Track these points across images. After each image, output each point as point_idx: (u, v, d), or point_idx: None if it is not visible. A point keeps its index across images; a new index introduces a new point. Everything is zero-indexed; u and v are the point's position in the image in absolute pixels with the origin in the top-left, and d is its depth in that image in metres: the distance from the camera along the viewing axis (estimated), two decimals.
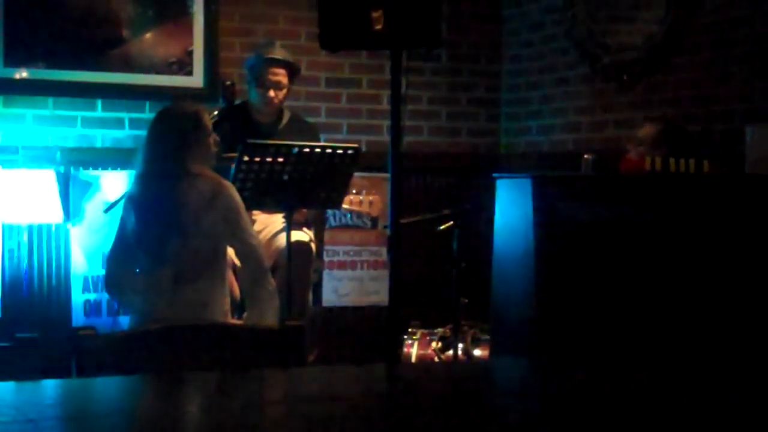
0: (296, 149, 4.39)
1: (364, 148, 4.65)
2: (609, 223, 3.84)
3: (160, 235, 3.99)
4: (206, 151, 4.08)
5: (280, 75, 5.07)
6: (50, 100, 5.52)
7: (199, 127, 4.05)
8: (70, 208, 5.40)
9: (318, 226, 5.30)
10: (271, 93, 5.05)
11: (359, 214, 5.70)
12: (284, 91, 5.09)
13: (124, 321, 4.57)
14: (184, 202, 3.97)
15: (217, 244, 4.03)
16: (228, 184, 4.08)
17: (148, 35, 5.67)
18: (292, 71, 5.13)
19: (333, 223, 5.98)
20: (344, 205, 4.77)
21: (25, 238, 5.41)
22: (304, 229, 4.95)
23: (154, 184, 4.01)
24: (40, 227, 5.45)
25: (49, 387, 2.36)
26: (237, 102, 5.03)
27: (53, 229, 5.47)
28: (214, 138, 4.15)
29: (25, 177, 5.23)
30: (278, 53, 5.10)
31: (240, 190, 4.27)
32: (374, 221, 5.98)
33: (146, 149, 4.05)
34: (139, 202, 4.03)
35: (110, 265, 4.15)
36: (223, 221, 3.99)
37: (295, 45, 5.63)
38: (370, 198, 4.91)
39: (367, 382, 2.41)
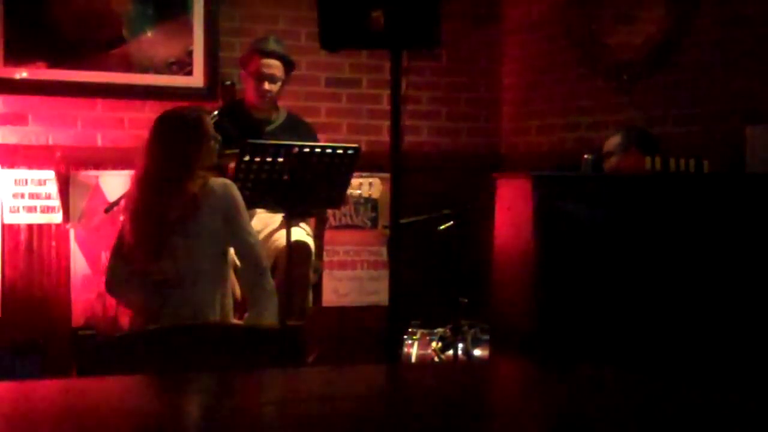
0: (296, 149, 4.39)
1: (364, 148, 4.63)
2: (609, 223, 3.83)
3: (153, 236, 3.99)
4: (206, 155, 4.08)
5: (275, 67, 5.08)
6: (50, 100, 5.52)
7: (201, 135, 4.04)
8: (69, 208, 5.40)
9: (318, 226, 5.29)
10: (266, 85, 5.05)
11: (358, 213, 5.69)
12: (279, 84, 5.09)
13: (124, 321, 4.57)
14: (172, 202, 3.97)
15: (215, 244, 4.02)
16: (224, 182, 4.05)
17: (148, 35, 5.67)
18: (287, 65, 5.13)
19: (333, 223, 5.98)
20: None
21: (25, 238, 5.41)
22: (302, 224, 4.92)
23: (149, 186, 4.01)
24: (40, 227, 5.45)
25: (49, 387, 2.36)
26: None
27: (53, 229, 5.47)
28: (216, 139, 4.14)
29: (25, 177, 5.23)
30: (272, 46, 5.11)
31: (240, 190, 4.27)
32: (374, 220, 5.98)
33: (146, 153, 4.04)
34: (133, 203, 4.03)
35: (111, 265, 4.15)
36: (222, 220, 3.99)
37: (295, 45, 5.62)
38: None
39: (367, 382, 2.41)
